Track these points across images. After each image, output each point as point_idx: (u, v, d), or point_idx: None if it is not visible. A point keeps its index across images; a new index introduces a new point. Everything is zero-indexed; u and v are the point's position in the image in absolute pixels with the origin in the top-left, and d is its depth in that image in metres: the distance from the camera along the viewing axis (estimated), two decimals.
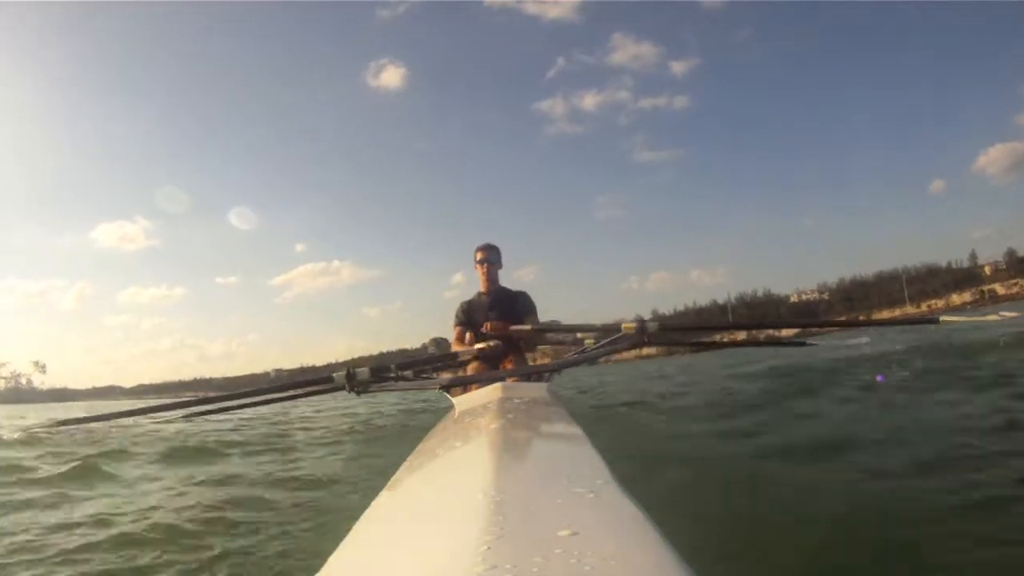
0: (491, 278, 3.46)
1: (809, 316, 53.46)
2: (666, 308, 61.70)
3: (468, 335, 3.29)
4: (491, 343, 3.10)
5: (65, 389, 75.27)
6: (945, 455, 1.51)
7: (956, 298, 47.84)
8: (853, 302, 54.57)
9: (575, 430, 1.23)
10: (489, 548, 0.53)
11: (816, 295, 59.07)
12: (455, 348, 3.35)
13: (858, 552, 1.04)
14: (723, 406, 3.06)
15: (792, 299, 59.75)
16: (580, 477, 0.81)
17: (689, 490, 1.47)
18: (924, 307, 47.86)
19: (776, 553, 1.07)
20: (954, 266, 54.32)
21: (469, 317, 3.44)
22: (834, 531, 1.12)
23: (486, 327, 3.21)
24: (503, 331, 3.17)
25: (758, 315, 55.74)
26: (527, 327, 3.26)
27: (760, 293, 61.27)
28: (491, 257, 3.47)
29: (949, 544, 1.04)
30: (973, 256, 54.08)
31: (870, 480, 1.38)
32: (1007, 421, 1.81)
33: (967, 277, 51.76)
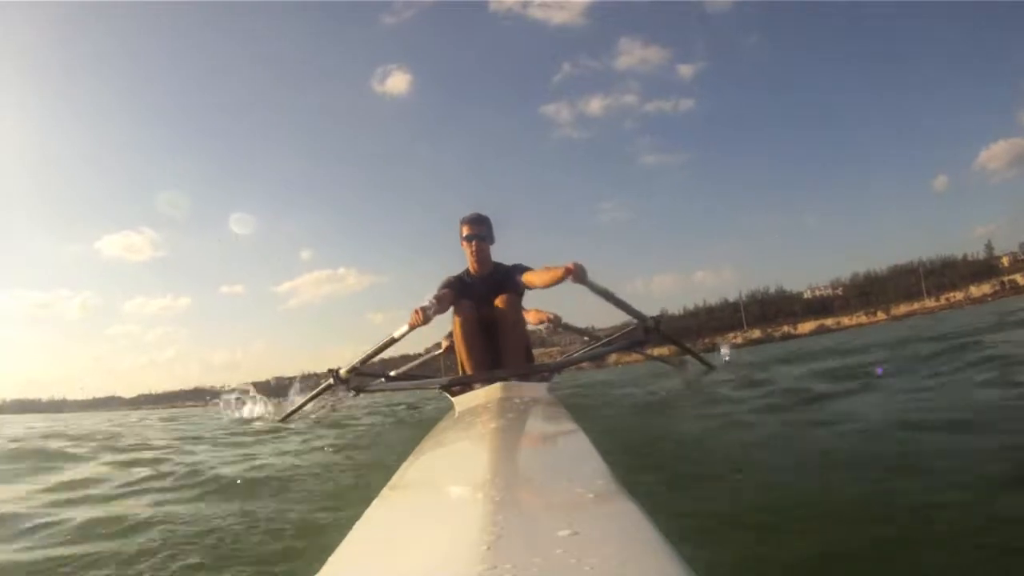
0: (482, 258, 2.81)
1: (823, 312, 53.22)
2: (675, 309, 61.27)
3: (452, 297, 2.73)
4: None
5: (64, 400, 75.65)
6: (958, 451, 1.50)
7: (975, 290, 47.04)
8: (869, 297, 53.64)
9: (575, 430, 1.23)
10: (489, 548, 0.53)
11: (830, 291, 58.24)
12: (428, 304, 2.56)
13: (862, 552, 1.04)
14: (724, 402, 3.04)
15: (806, 295, 58.86)
16: (580, 477, 0.81)
17: (689, 490, 1.46)
18: (943, 300, 47.14)
19: (777, 553, 1.06)
20: (970, 258, 52.90)
21: (459, 293, 2.78)
22: (837, 531, 1.12)
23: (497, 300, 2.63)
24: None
25: (770, 312, 55.36)
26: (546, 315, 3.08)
27: (772, 290, 60.41)
28: (480, 231, 2.80)
29: (959, 544, 1.03)
30: (989, 247, 52.28)
31: (876, 478, 1.38)
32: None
33: (985, 269, 50.38)
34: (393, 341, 2.83)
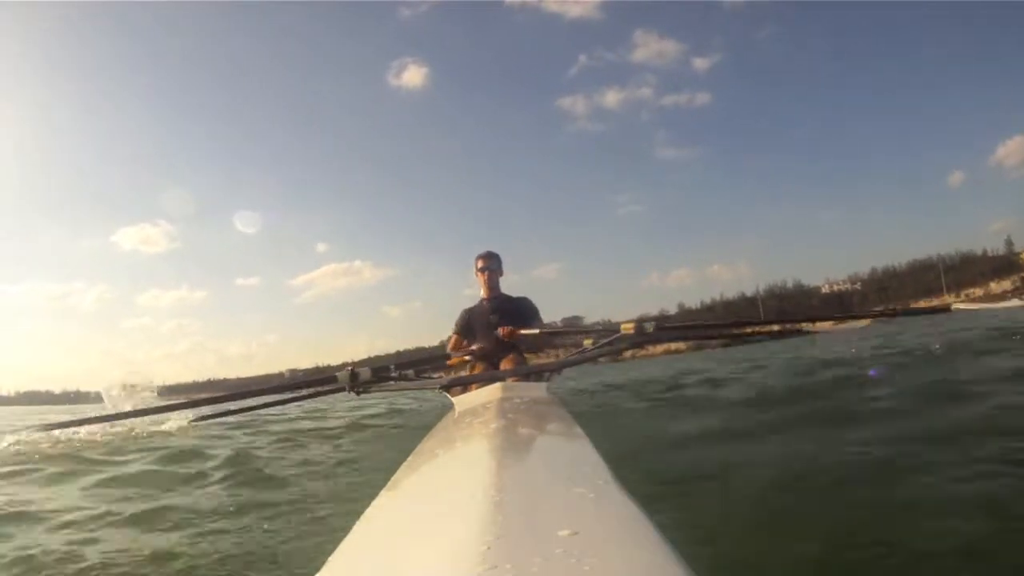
0: (492, 285, 3.55)
1: (842, 307, 52.33)
2: (692, 302, 60.63)
3: (464, 343, 3.44)
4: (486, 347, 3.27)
5: (78, 391, 75.95)
6: (956, 456, 1.50)
7: (995, 286, 46.02)
8: (888, 291, 53.03)
9: (575, 430, 1.23)
10: (489, 548, 0.53)
11: (848, 285, 57.36)
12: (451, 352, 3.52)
13: (860, 554, 1.04)
14: (724, 403, 3.05)
15: (824, 290, 57.93)
16: (580, 477, 0.81)
17: (690, 490, 1.46)
18: (963, 295, 46.19)
19: (777, 554, 1.06)
20: (989, 254, 52.47)
21: (469, 325, 3.54)
22: (836, 533, 1.12)
23: (502, 331, 3.27)
24: (514, 336, 3.27)
25: (788, 306, 54.50)
26: (535, 330, 3.36)
27: (790, 284, 59.60)
28: (491, 265, 3.57)
29: (956, 547, 1.03)
30: (1009, 243, 52.23)
31: (873, 481, 1.38)
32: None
33: (1005, 265, 50.07)
34: (434, 358, 3.47)
